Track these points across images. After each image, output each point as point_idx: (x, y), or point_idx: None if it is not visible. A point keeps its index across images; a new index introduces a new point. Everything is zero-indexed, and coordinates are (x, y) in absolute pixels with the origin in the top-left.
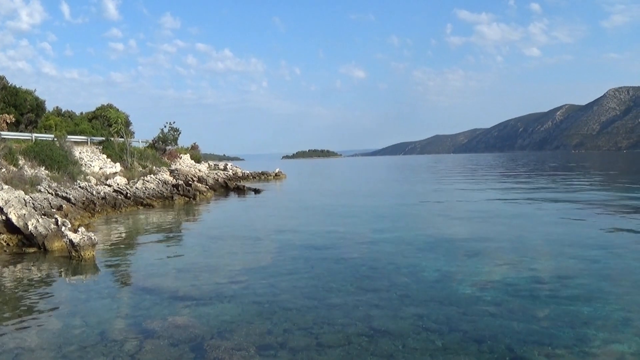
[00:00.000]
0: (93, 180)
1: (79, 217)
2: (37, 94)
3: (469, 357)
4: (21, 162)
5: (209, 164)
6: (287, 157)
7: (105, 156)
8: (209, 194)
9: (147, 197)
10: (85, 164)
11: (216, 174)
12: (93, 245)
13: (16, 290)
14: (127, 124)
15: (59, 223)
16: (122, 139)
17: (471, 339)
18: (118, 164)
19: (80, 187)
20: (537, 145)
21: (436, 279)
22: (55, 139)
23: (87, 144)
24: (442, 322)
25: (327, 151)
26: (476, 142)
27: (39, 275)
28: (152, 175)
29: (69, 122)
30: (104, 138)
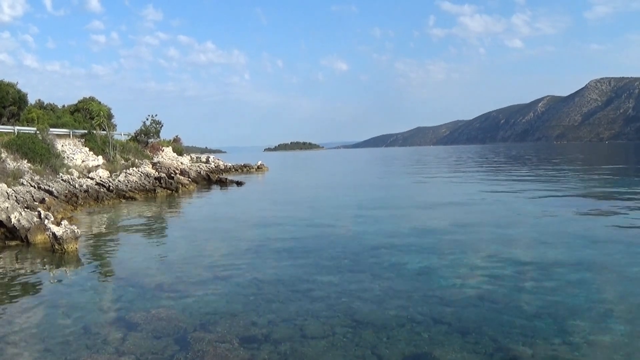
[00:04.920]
0: (75, 173)
1: (62, 210)
2: (19, 86)
3: (454, 349)
4: (3, 155)
5: (191, 156)
6: (269, 149)
7: (87, 149)
8: (191, 186)
9: (129, 190)
10: (68, 157)
11: (198, 166)
12: (76, 238)
13: None
14: (109, 116)
15: (42, 216)
16: (105, 132)
17: (456, 331)
18: (100, 157)
19: (62, 180)
20: (518, 136)
21: (419, 271)
22: (38, 132)
23: (70, 136)
24: (426, 313)
25: (309, 143)
26: (458, 134)
27: (22, 268)
28: (134, 168)
29: (51, 115)
30: (86, 131)
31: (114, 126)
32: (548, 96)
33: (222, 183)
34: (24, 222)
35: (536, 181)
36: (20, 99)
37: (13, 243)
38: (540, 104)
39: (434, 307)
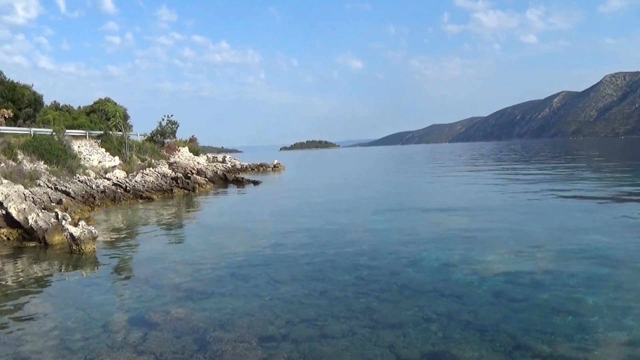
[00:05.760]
0: (92, 174)
1: (79, 210)
2: (34, 88)
3: (472, 347)
4: (20, 156)
5: (207, 156)
6: (285, 148)
7: (104, 150)
8: (208, 186)
9: (146, 190)
10: (84, 158)
11: (215, 166)
12: (93, 238)
13: (17, 285)
14: (125, 117)
15: (59, 217)
16: (121, 133)
17: (473, 329)
18: (117, 158)
19: (79, 180)
20: (534, 132)
21: (436, 269)
22: (54, 133)
23: (86, 137)
24: (443, 312)
25: (325, 142)
26: (474, 130)
27: (40, 269)
28: (151, 169)
29: (67, 116)
30: (102, 132)
31: (130, 127)
32: (563, 92)
33: (239, 182)
34: (41, 223)
35: (557, 178)
36: (35, 101)
37: (31, 244)
38: (555, 100)
39: (452, 305)
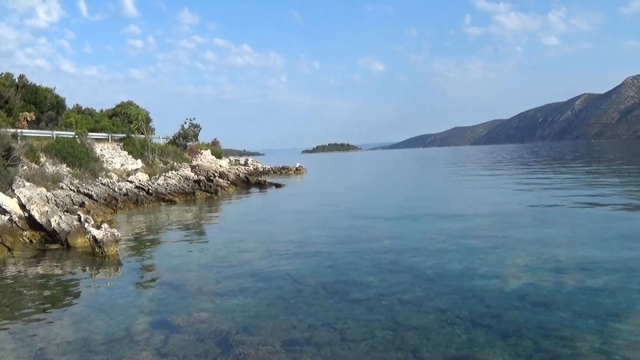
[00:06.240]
0: (115, 177)
1: (102, 213)
2: (56, 91)
3: (495, 351)
4: (42, 159)
5: (229, 159)
6: (307, 151)
7: (126, 153)
8: (230, 189)
9: (169, 193)
10: (107, 161)
11: (237, 169)
12: (116, 241)
13: (40, 287)
14: (148, 120)
15: (82, 219)
16: (143, 136)
17: (496, 333)
18: (139, 161)
19: (102, 183)
20: (557, 135)
21: (460, 272)
22: (76, 136)
23: (108, 140)
24: (466, 315)
25: (347, 145)
26: (496, 133)
27: (63, 271)
28: (173, 171)
29: (89, 119)
30: (124, 135)
31: (153, 130)
32: (585, 94)
33: (261, 185)
34: (63, 226)
35: (581, 183)
36: (58, 104)
37: (53, 246)
38: (577, 102)
39: (474, 308)
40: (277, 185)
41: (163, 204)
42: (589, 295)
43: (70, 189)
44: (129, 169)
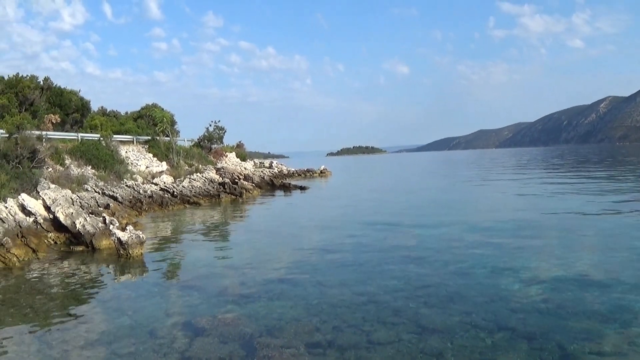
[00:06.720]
0: (140, 179)
1: (127, 215)
2: (81, 94)
3: (519, 355)
4: (67, 161)
5: (254, 162)
6: (331, 154)
7: (151, 155)
8: (255, 191)
9: (193, 196)
10: (132, 163)
11: (262, 171)
12: (141, 243)
13: (65, 289)
14: (172, 123)
15: (107, 221)
16: (168, 138)
17: (521, 336)
18: (164, 163)
19: (127, 185)
20: (581, 138)
21: (485, 276)
22: (101, 139)
23: (133, 143)
24: (491, 319)
25: (372, 147)
26: (521, 136)
27: (88, 273)
28: (198, 174)
29: (114, 121)
30: (149, 137)
31: (177, 132)
32: (610, 96)
33: (286, 188)
34: (88, 228)
35: (607, 187)
36: (83, 106)
37: (78, 248)
38: (602, 105)
39: (499, 312)
40: (302, 188)
41: (188, 206)
42: (613, 299)
43: (95, 191)
44: (154, 172)
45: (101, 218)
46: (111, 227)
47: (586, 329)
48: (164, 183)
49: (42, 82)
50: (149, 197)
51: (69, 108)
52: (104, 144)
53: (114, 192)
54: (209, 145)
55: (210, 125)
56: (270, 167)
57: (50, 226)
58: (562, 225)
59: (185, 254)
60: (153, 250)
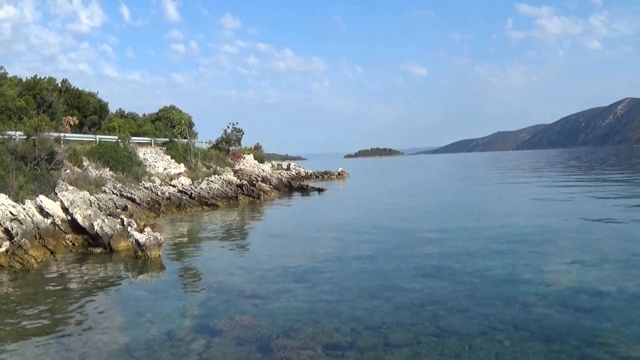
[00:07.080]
0: (157, 181)
1: (144, 217)
2: (99, 96)
3: (537, 357)
4: (85, 163)
5: (272, 163)
6: (349, 156)
7: (169, 157)
8: (273, 193)
9: (211, 197)
10: (150, 165)
11: (279, 173)
12: (159, 245)
13: (83, 290)
14: (190, 124)
15: (125, 223)
16: (186, 140)
17: (539, 339)
18: (182, 165)
19: (144, 187)
20: (599, 140)
21: (502, 278)
22: (119, 140)
23: (151, 145)
24: (509, 321)
25: (390, 149)
26: (539, 138)
27: (106, 274)
28: (216, 176)
29: (132, 123)
30: (167, 139)
31: (195, 134)
32: (627, 98)
33: (303, 190)
34: (106, 229)
35: (625, 189)
36: (101, 108)
37: (96, 250)
38: (619, 107)
39: (517, 313)
40: (320, 190)
41: (206, 208)
42: (632, 301)
43: (113, 193)
44: (172, 173)
45: (119, 220)
46: (129, 228)
47: (605, 332)
48: (182, 185)
49: (60, 84)
50: (167, 199)
51: (87, 110)
52: (122, 146)
53: (131, 193)
54: (227, 147)
55: (228, 127)
56: (288, 169)
57: (68, 228)
58: (579, 228)
59: (202, 255)
60: (171, 252)
